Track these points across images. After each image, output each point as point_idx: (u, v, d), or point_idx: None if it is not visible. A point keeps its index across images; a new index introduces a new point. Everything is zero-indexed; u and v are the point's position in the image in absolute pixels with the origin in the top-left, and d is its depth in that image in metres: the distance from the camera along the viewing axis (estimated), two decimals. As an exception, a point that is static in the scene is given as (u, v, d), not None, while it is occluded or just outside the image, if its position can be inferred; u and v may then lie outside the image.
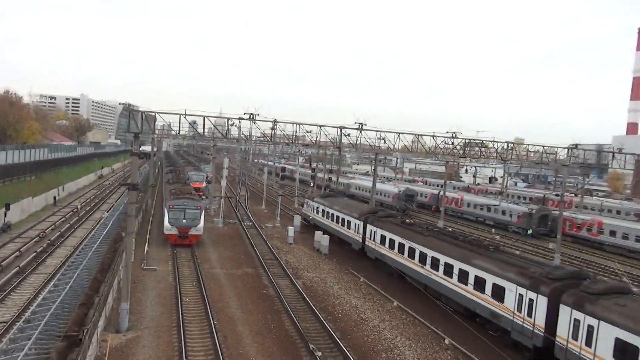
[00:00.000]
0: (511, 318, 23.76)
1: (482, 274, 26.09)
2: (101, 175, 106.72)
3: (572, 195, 76.45)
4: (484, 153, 68.93)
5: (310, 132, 55.21)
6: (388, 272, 36.46)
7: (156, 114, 40.18)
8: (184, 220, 41.39)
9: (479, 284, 26.15)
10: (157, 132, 54.41)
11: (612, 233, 52.43)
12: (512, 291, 23.81)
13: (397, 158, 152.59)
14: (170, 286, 31.23)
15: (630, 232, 50.73)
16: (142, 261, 35.70)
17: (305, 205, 56.81)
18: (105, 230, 36.83)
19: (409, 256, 33.29)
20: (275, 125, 51.18)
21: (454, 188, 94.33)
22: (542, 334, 21.85)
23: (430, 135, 58.02)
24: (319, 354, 21.88)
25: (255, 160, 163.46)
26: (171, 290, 30.33)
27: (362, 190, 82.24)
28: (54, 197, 63.80)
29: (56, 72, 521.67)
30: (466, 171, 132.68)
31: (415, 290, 31.93)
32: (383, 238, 37.07)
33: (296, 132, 53.60)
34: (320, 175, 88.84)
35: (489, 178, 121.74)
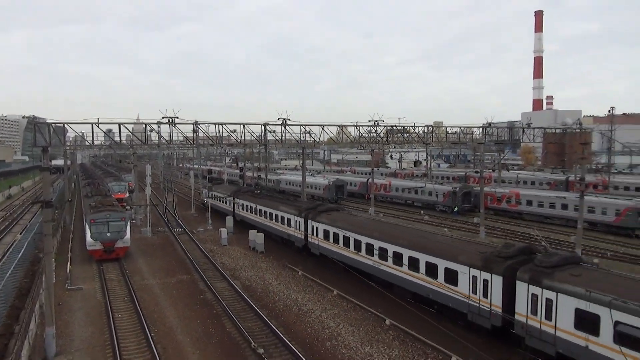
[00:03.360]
0: (294, 234, 40.71)
1: (282, 214, 42.89)
2: (9, 196, 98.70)
3: (491, 171, 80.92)
4: (406, 138, 71.22)
5: (235, 131, 54.26)
6: (248, 227, 48.68)
7: (65, 125, 37.68)
8: (109, 234, 39.26)
9: (282, 220, 42.86)
10: (68, 144, 51.01)
11: (529, 202, 56.10)
12: (294, 219, 40.67)
13: (324, 150, 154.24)
14: (100, 303, 29.47)
15: (544, 200, 54.51)
16: (65, 281, 33.39)
17: (202, 193, 67.42)
18: (20, 253, 34.09)
19: (254, 214, 49.48)
20: (197, 127, 49.75)
21: (382, 174, 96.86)
22: (303, 238, 39.27)
23: (353, 126, 59.01)
24: (262, 350, 21.54)
25: (180, 165, 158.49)
26: (101, 308, 28.63)
27: (293, 185, 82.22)
28: (-42, 224, 58.14)
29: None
30: (391, 157, 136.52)
31: (354, 276, 32.37)
32: (243, 205, 52.90)
33: (219, 132, 52.48)
34: (249, 174, 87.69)
35: (414, 162, 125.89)
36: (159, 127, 47.11)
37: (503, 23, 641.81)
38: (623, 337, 16.86)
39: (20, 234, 49.37)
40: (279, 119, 51.70)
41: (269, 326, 24.79)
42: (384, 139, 68.44)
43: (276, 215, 44.24)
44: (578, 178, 46.46)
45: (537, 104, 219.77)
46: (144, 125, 48.33)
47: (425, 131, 65.18)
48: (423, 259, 26.48)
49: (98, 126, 39.94)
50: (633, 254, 39.66)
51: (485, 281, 22.49)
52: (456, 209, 61.70)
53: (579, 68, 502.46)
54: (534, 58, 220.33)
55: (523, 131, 70.84)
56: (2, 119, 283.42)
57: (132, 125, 45.89)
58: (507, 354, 21.60)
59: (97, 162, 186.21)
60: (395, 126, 65.36)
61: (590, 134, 79.72)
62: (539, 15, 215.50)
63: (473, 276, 23.20)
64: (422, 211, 64.52)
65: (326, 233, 35.80)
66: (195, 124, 49.34)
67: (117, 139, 49.10)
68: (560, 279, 19.62)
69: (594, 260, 24.28)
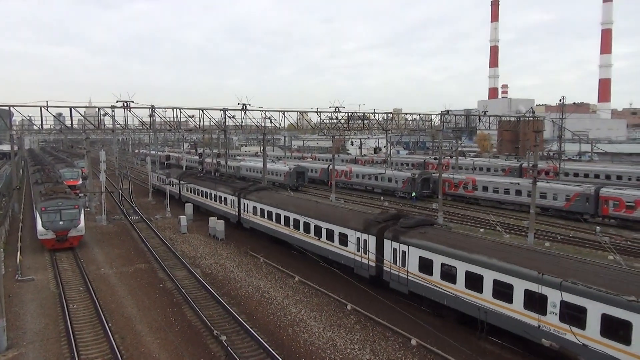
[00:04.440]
0: (230, 211, 45.34)
1: (219, 193, 47.84)
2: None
3: (448, 157, 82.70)
4: (366, 125, 71.77)
5: (193, 116, 53.32)
6: (196, 208, 52.64)
7: (11, 108, 35.91)
8: (61, 222, 37.75)
9: (219, 199, 47.80)
10: (15, 128, 48.54)
11: (485, 188, 57.71)
12: (229, 198, 45.39)
13: (285, 136, 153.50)
14: (54, 294, 28.42)
15: (499, 186, 56.23)
16: (15, 272, 32.00)
17: (150, 177, 70.58)
18: (-35, 243, 32.30)
19: (197, 195, 53.98)
20: (154, 111, 48.46)
21: (342, 161, 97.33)
22: (237, 214, 43.96)
23: (314, 112, 58.96)
24: (224, 338, 21.36)
25: (136, 151, 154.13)
26: (55, 299, 27.62)
27: (253, 171, 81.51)
28: None
29: None
30: (352, 144, 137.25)
31: (315, 263, 32.54)
32: (189, 188, 56.76)
33: (177, 117, 51.31)
34: (208, 160, 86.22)
35: (374, 148, 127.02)
36: (113, 111, 45.62)
37: (463, 10, 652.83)
38: (446, 275, 22.95)
39: (-35, 223, 46.91)
40: (239, 104, 51.01)
41: (231, 314, 24.58)
42: (345, 125, 68.72)
43: (215, 195, 49.00)
44: (531, 165, 48.10)
45: (493, 92, 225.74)
46: (97, 109, 46.64)
47: (385, 118, 65.87)
48: (324, 226, 31.38)
49: (47, 109, 38.28)
50: (581, 237, 41.55)
51: (365, 241, 27.90)
52: (414, 194, 62.82)
53: (533, 57, 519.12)
54: (490, 47, 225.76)
55: (479, 119, 72.73)
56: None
57: (84, 109, 44.26)
58: (466, 336, 22.27)
59: (46, 148, 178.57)
60: (356, 113, 65.78)
61: (542, 122, 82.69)
62: (495, 5, 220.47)
63: (357, 237, 28.51)
64: (382, 197, 65.34)
65: (255, 209, 40.61)
66: (152, 108, 48.06)
67: (68, 123, 47.15)
68: (411, 235, 25.33)
69: (446, 224, 31.57)
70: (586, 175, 64.82)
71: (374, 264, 27.40)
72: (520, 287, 19.37)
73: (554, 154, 75.97)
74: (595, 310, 16.82)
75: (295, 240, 34.78)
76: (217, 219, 43.43)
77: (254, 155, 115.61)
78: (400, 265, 25.52)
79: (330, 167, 72.78)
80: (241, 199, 43.30)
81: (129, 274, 32.48)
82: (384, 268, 26.72)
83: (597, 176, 63.76)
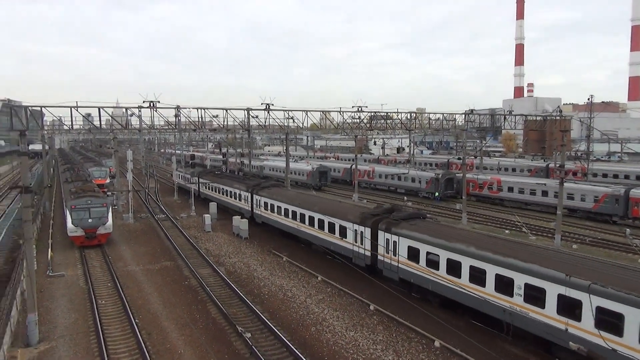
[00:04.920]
0: (244, 207, 47.73)
1: (234, 190, 50.53)
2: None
3: (473, 157, 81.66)
4: (389, 124, 71.39)
5: (217, 116, 53.72)
6: (231, 213, 51.61)
7: (43, 108, 36.87)
8: (90, 220, 38.71)
9: (234, 195, 50.39)
10: (46, 128, 49.81)
11: (510, 189, 56.84)
12: (243, 194, 47.76)
13: (307, 136, 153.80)
14: (83, 290, 29.18)
15: (524, 186, 55.31)
16: (46, 268, 32.94)
17: (173, 175, 73.90)
18: (-1, 240, 33.42)
19: (214, 191, 57.11)
20: (179, 111, 49.07)
21: (365, 161, 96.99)
22: (250, 209, 46.35)
23: (337, 111, 58.90)
24: (248, 335, 21.62)
25: (162, 150, 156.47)
26: (84, 295, 28.35)
27: (276, 171, 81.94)
28: None
29: None
30: (374, 143, 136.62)
31: (339, 263, 32.63)
32: (206, 185, 59.55)
33: (202, 117, 51.84)
34: (232, 159, 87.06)
35: (397, 148, 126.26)
36: (139, 111, 46.34)
37: (484, 10, 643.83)
38: (430, 262, 24.81)
39: (-2, 220, 48.38)
40: (262, 104, 51.25)
41: (254, 312, 24.85)
42: (368, 125, 68.51)
43: (231, 192, 51.76)
44: (558, 165, 47.16)
45: (518, 91, 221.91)
46: (124, 110, 47.52)
47: (409, 117, 65.40)
48: (327, 219, 33.45)
49: (77, 110, 39.12)
50: (610, 240, 40.59)
51: (361, 232, 29.93)
52: (438, 194, 62.28)
53: (558, 56, 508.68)
54: (515, 45, 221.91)
55: (505, 118, 71.55)
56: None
57: (112, 109, 45.12)
58: (490, 338, 22.06)
59: (76, 147, 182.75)
60: (379, 112, 65.41)
61: (569, 122, 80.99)
62: (520, 2, 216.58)
63: (355, 229, 30.51)
64: (405, 197, 64.95)
65: (266, 204, 42.97)
66: (177, 108, 48.66)
67: (96, 123, 48.20)
68: (402, 227, 27.21)
69: (436, 219, 33.41)
70: (615, 176, 63.23)
71: (369, 254, 29.41)
72: (492, 272, 21.23)
73: (581, 154, 74.34)
74: (552, 291, 18.78)
75: (302, 233, 37.05)
76: (241, 218, 43.92)
77: (276, 155, 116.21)
78: (392, 255, 27.48)
79: (353, 166, 72.66)
80: (254, 195, 45.46)
81: (155, 271, 33.11)
82: (378, 257, 28.76)
83: (627, 177, 62.13)
